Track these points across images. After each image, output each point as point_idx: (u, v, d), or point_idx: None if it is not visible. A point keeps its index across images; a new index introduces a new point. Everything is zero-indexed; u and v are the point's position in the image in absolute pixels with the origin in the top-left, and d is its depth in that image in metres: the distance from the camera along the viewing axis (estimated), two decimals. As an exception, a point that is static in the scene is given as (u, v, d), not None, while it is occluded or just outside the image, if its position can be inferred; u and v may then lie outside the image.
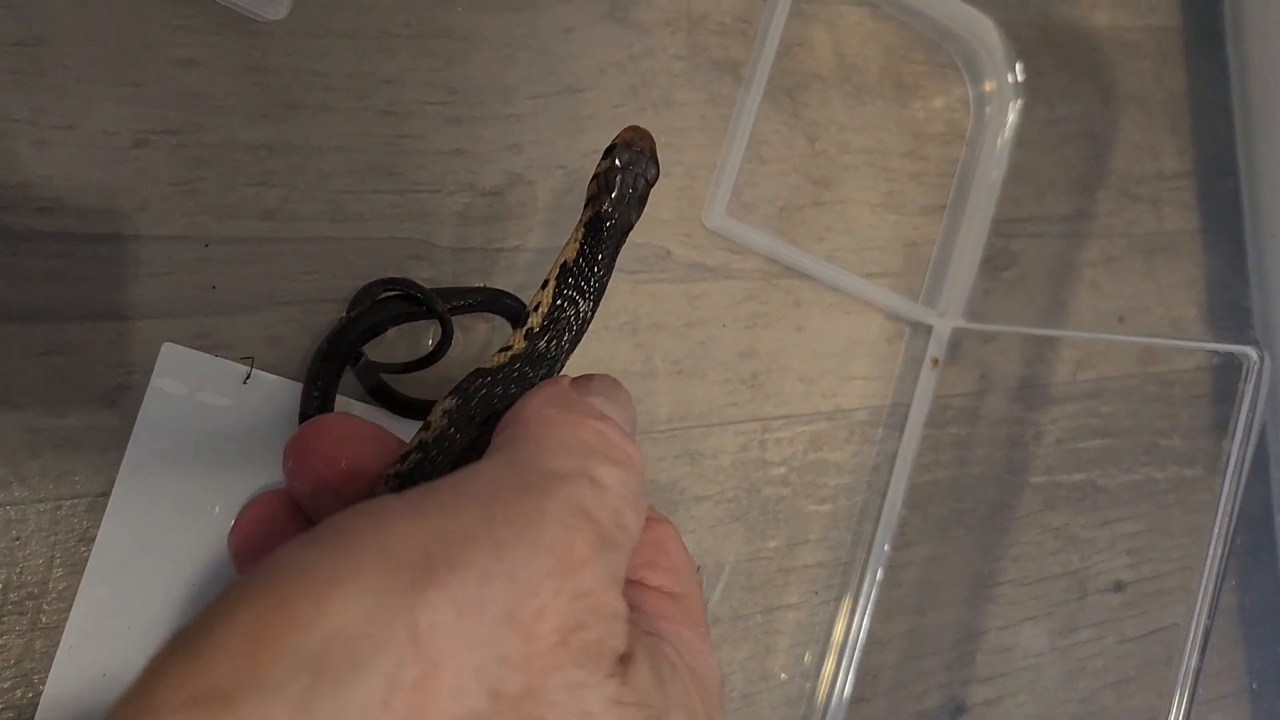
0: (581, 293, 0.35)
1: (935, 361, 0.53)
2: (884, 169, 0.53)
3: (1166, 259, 0.60)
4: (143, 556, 0.39)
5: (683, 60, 0.48)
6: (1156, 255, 0.59)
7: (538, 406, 0.30)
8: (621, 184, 0.36)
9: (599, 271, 0.35)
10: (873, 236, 0.52)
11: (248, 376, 0.40)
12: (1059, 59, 0.57)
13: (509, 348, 0.35)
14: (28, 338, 0.38)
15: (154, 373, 0.39)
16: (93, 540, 0.38)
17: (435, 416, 0.33)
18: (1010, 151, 0.55)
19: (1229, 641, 0.60)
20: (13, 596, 0.37)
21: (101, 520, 0.38)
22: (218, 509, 0.40)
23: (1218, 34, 0.60)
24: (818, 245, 0.51)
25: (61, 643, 0.38)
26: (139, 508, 0.39)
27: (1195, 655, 0.43)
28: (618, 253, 0.36)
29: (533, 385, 0.34)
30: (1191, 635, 0.43)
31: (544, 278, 0.35)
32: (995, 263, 0.55)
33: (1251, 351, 0.44)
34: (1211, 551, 0.43)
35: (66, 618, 0.38)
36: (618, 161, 0.36)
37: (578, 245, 0.36)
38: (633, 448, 0.29)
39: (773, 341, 0.50)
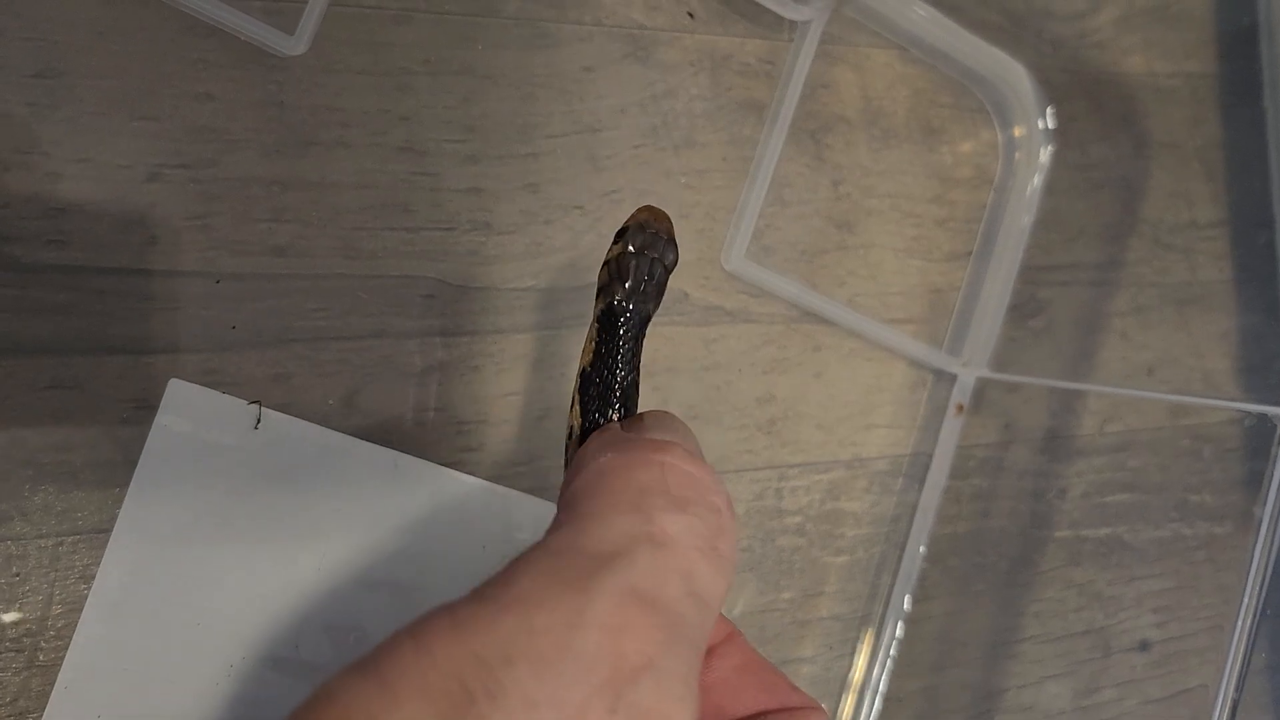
0: (609, 402, 0.31)
1: (960, 408, 0.52)
2: (909, 214, 0.52)
3: (1199, 310, 0.58)
4: (142, 596, 0.38)
5: (705, 101, 0.47)
6: (1189, 306, 0.58)
7: (593, 455, 0.27)
8: (636, 271, 0.32)
9: (622, 374, 0.31)
10: (896, 282, 0.51)
11: (258, 422, 0.40)
12: (1091, 104, 0.56)
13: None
14: (33, 371, 0.37)
15: (160, 409, 0.39)
16: (93, 578, 0.38)
17: None
18: (1039, 198, 0.54)
19: (1259, 706, 0.58)
20: (10, 633, 0.37)
21: (102, 558, 0.38)
22: (221, 549, 0.39)
23: (1255, 82, 0.59)
24: (839, 290, 0.50)
25: (58, 681, 0.37)
26: (140, 546, 0.38)
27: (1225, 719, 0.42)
28: (640, 348, 0.32)
29: None
30: (1221, 698, 0.42)
31: (570, 394, 0.32)
32: (1022, 311, 0.54)
33: (1285, 411, 0.43)
34: (1243, 613, 0.42)
35: (64, 656, 0.37)
36: (631, 246, 0.32)
37: (594, 347, 0.32)
38: (702, 470, 0.26)
39: (791, 387, 0.49)
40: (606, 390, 0.31)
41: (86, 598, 0.38)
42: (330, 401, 0.41)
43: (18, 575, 0.37)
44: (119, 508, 0.38)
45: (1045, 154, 0.54)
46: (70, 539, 0.38)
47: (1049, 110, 0.54)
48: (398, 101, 0.42)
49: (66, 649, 0.37)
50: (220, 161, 0.40)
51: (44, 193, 0.38)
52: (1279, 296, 0.58)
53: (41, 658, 0.37)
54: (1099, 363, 0.56)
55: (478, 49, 0.43)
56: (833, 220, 0.50)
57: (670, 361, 0.47)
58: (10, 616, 0.37)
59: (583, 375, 0.32)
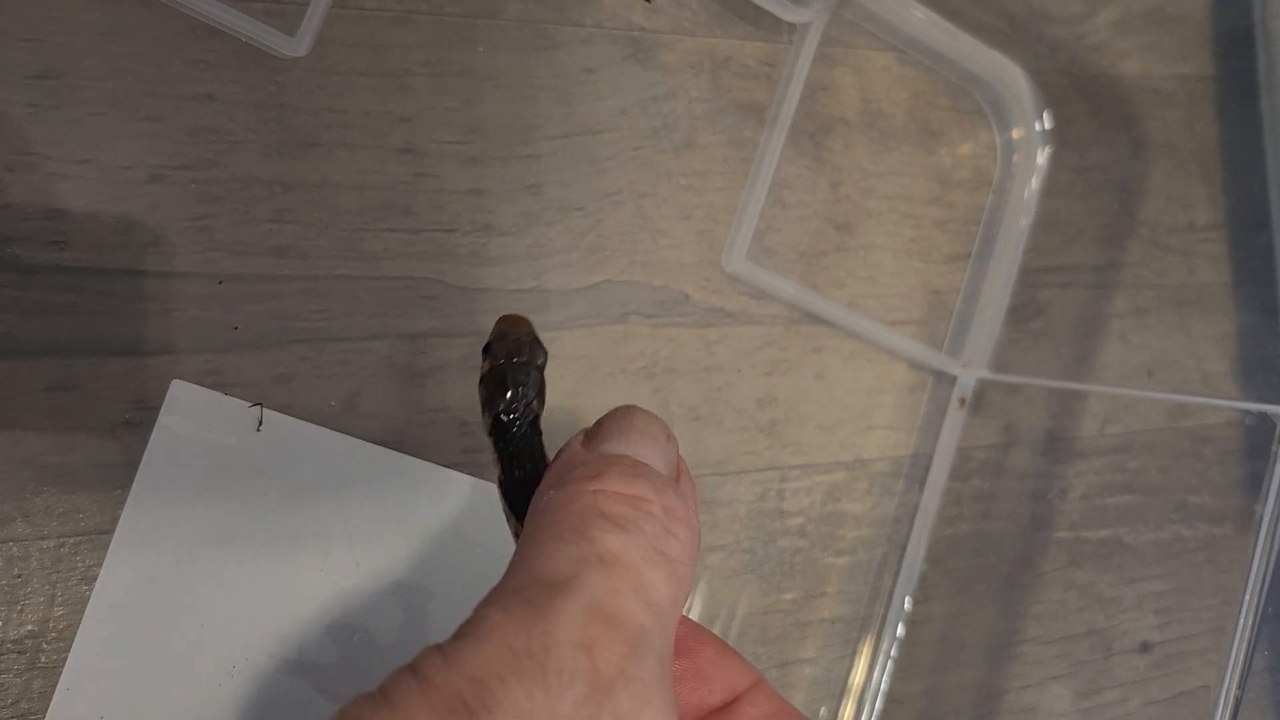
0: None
1: (962, 402, 0.52)
2: (909, 215, 0.52)
3: (1197, 312, 0.59)
4: (145, 597, 0.38)
5: (705, 102, 0.47)
6: (1187, 308, 0.58)
7: (538, 495, 0.29)
8: (512, 380, 0.33)
9: (531, 469, 0.33)
10: (896, 284, 0.52)
11: (260, 424, 0.40)
12: (1089, 107, 0.56)
13: None
14: (35, 372, 0.37)
15: (161, 410, 0.39)
16: (95, 579, 0.38)
17: None
18: (1038, 200, 0.54)
19: (1259, 708, 0.58)
20: (12, 635, 0.37)
21: (104, 559, 0.38)
22: (223, 550, 0.39)
23: (1251, 85, 0.59)
24: (839, 291, 0.50)
25: (60, 683, 0.37)
26: (142, 547, 0.38)
27: (1227, 720, 0.42)
28: (540, 441, 0.34)
29: None
30: (1223, 700, 0.42)
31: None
32: (1021, 313, 0.54)
33: (1284, 411, 0.43)
34: (1244, 614, 0.42)
35: (66, 658, 0.37)
36: (500, 359, 0.34)
37: (498, 458, 0.33)
38: (637, 484, 0.27)
39: (792, 389, 0.49)
40: (526, 488, 0.32)
41: (89, 599, 0.38)
42: (331, 403, 0.41)
43: (19, 577, 0.37)
44: (121, 509, 0.38)
45: (1043, 156, 0.54)
46: (72, 540, 0.38)
47: (1047, 113, 0.54)
48: (399, 103, 0.42)
49: (68, 651, 0.37)
50: (221, 163, 0.40)
51: (45, 194, 0.38)
52: (1277, 297, 0.58)
53: (43, 659, 0.37)
54: (1098, 364, 0.56)
55: (479, 51, 0.44)
56: (832, 222, 0.50)
57: (671, 363, 0.47)
58: (12, 618, 0.37)
59: (501, 484, 0.33)
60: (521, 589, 0.25)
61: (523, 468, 0.33)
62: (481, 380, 0.34)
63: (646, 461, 0.29)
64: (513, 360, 0.34)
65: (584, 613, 0.24)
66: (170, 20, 0.39)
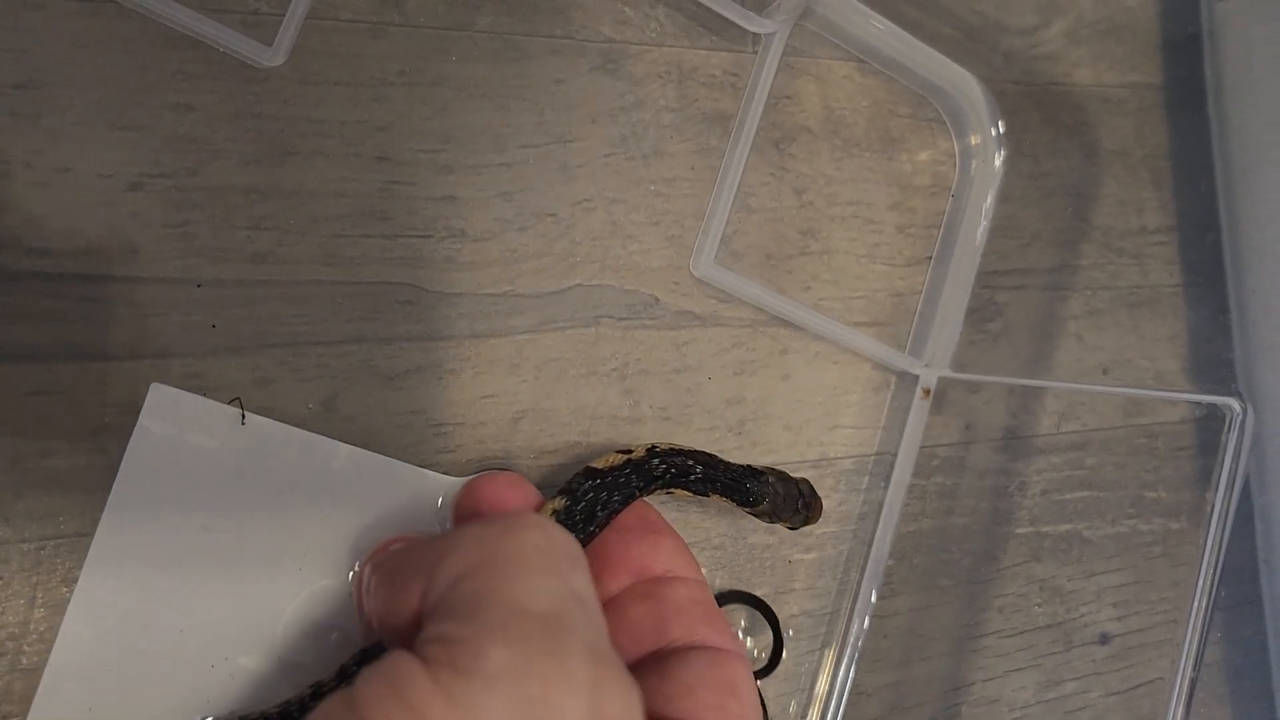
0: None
1: (926, 392, 0.53)
2: (870, 220, 0.53)
3: (1149, 312, 0.60)
4: (125, 598, 0.39)
5: (673, 112, 0.49)
6: (1140, 308, 0.60)
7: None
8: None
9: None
10: (859, 287, 0.53)
11: (243, 418, 0.40)
12: (1043, 115, 0.58)
13: (629, 451, 0.40)
14: (16, 377, 0.38)
15: (141, 413, 0.39)
16: (75, 581, 0.38)
17: (545, 513, 0.37)
18: (995, 205, 0.56)
19: (1215, 696, 0.59)
20: (-7, 637, 0.37)
21: (84, 561, 0.38)
22: (203, 551, 0.40)
23: (1199, 91, 0.61)
24: (805, 294, 0.52)
25: (41, 685, 0.38)
26: (123, 549, 0.39)
27: (1181, 710, 0.43)
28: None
29: (635, 493, 0.39)
30: (1177, 689, 0.43)
31: None
32: (980, 314, 0.55)
33: (1234, 403, 0.44)
34: (1196, 604, 0.43)
35: (47, 659, 0.38)
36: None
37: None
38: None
39: (759, 389, 0.50)
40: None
41: (69, 601, 0.38)
42: (310, 405, 0.42)
43: (0, 579, 0.37)
44: (101, 512, 0.38)
45: (999, 162, 0.56)
46: (53, 543, 0.38)
47: (1002, 120, 0.56)
48: (374, 112, 0.43)
49: (49, 652, 0.38)
50: (200, 171, 0.41)
51: (27, 201, 0.38)
52: (1226, 298, 0.60)
53: (24, 661, 0.38)
54: (1055, 364, 0.58)
55: (451, 61, 0.45)
56: (797, 227, 0.52)
57: (642, 365, 0.48)
58: (-7, 620, 0.37)
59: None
60: (510, 623, 0.27)
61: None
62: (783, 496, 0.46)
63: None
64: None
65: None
66: (149, 32, 0.40)
